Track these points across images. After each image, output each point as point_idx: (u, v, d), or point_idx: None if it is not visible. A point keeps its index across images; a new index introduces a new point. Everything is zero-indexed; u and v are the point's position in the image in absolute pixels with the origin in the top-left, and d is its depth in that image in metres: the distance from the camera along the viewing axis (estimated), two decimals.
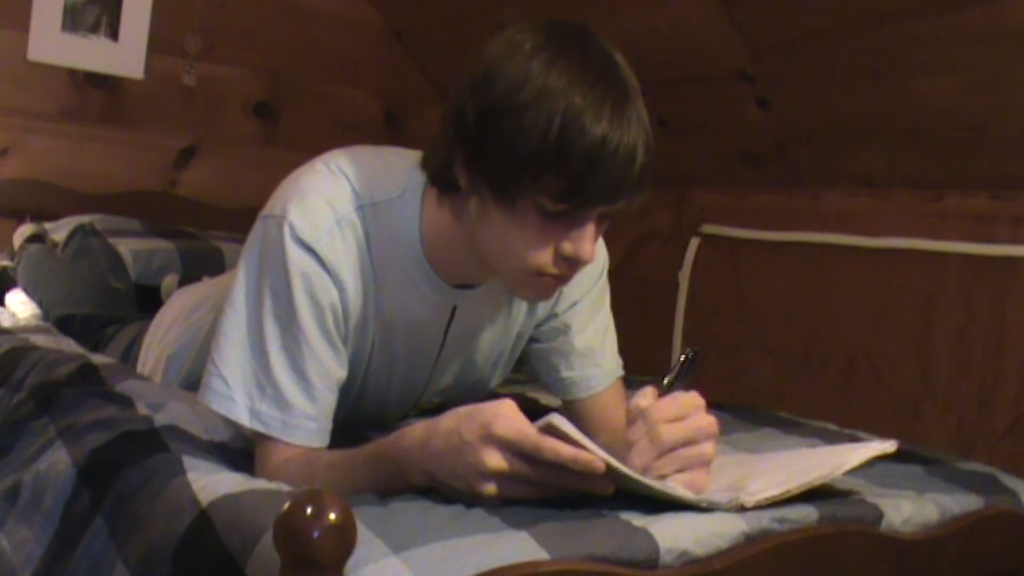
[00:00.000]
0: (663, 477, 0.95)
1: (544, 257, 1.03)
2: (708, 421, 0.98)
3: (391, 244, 1.13)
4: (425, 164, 1.12)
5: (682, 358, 1.05)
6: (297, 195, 1.09)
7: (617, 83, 0.99)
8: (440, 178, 1.09)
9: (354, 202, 1.10)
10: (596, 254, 1.28)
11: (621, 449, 0.97)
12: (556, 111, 0.95)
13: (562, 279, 1.07)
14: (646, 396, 1.00)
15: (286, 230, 1.07)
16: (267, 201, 1.13)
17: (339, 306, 1.10)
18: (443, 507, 0.89)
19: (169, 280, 2.01)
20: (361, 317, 1.14)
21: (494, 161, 0.99)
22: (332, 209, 1.09)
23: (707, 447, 0.97)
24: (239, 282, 1.10)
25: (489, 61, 1.01)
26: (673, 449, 0.96)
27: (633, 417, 0.99)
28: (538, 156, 0.96)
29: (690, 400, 0.99)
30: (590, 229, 1.02)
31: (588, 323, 1.31)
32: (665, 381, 1.03)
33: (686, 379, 1.03)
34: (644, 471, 0.95)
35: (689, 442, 0.97)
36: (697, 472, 0.97)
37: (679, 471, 0.96)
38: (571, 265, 1.04)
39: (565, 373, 1.31)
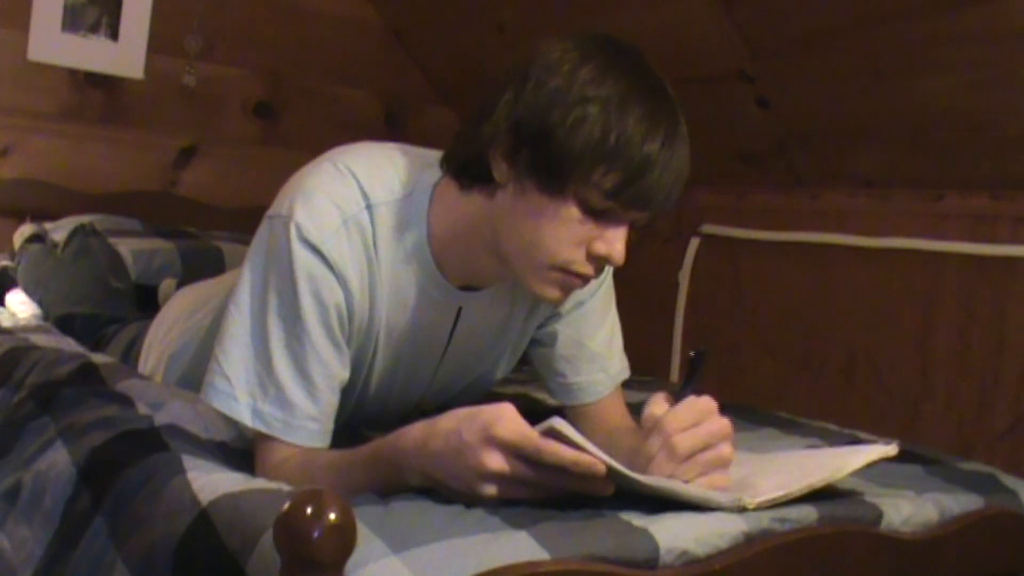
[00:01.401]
0: (648, 476, 0.95)
1: (576, 254, 1.04)
2: (721, 424, 0.99)
3: (398, 245, 1.12)
4: (449, 158, 1.12)
5: (691, 355, 1.06)
6: (303, 195, 1.09)
7: (668, 98, 1.03)
8: (469, 170, 1.09)
9: (361, 202, 1.10)
10: None
11: (620, 447, 0.97)
12: (618, 113, 0.98)
13: (583, 279, 1.07)
14: (659, 404, 1.01)
15: (292, 231, 1.07)
16: (272, 200, 1.13)
17: (344, 307, 1.09)
18: (443, 507, 0.89)
19: (167, 284, 2.00)
20: (366, 318, 1.14)
21: (549, 150, 1.00)
22: (339, 210, 1.08)
23: (724, 449, 0.99)
24: (244, 281, 1.10)
25: (541, 59, 1.03)
26: (691, 457, 0.97)
27: (648, 428, 1.00)
28: (597, 150, 0.98)
29: (702, 404, 0.99)
30: (624, 231, 1.04)
31: (597, 328, 1.31)
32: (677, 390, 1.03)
33: (696, 379, 1.04)
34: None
35: (706, 447, 0.98)
36: (716, 475, 0.98)
37: (700, 475, 0.97)
38: (598, 266, 1.06)
39: (572, 379, 1.31)
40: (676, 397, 1.02)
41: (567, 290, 1.10)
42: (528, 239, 1.04)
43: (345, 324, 1.10)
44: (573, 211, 1.02)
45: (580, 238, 1.03)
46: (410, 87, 2.83)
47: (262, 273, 1.09)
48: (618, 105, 0.98)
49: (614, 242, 1.04)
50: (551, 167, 1.00)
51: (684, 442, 0.97)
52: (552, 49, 1.03)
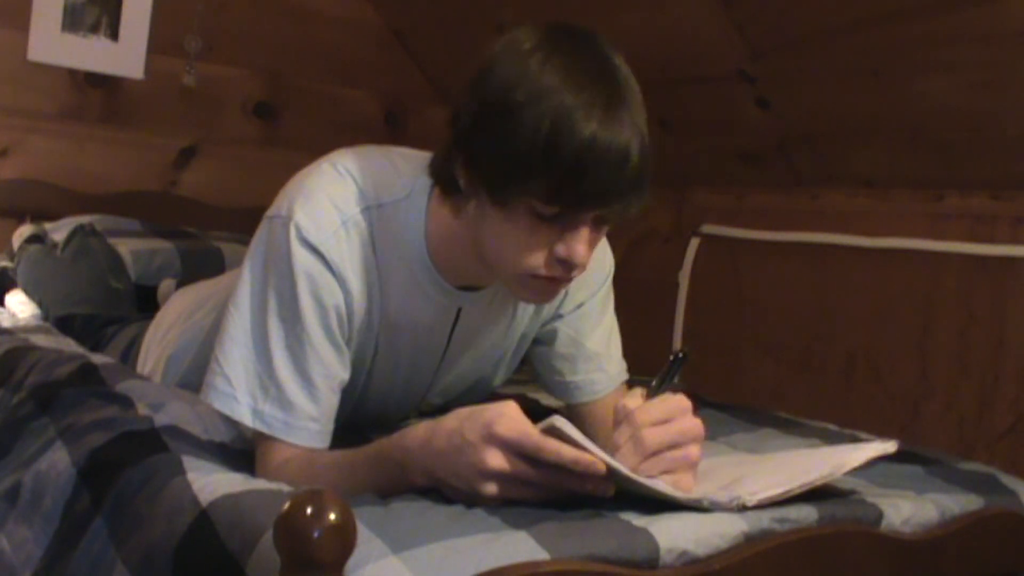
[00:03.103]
0: (649, 479, 0.95)
1: (537, 259, 1.02)
2: (693, 423, 0.97)
3: (397, 246, 1.13)
4: (432, 166, 1.12)
5: (671, 359, 1.05)
6: (303, 196, 1.09)
7: (611, 84, 0.97)
8: (443, 179, 1.09)
9: (360, 203, 1.10)
10: (602, 258, 1.27)
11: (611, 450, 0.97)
12: (546, 111, 0.94)
13: (559, 282, 1.06)
14: (634, 398, 1.00)
15: (292, 231, 1.07)
16: (271, 201, 1.13)
17: (343, 308, 1.09)
18: (443, 507, 0.89)
19: (166, 284, 2.01)
20: (365, 319, 1.14)
21: (488, 162, 0.99)
22: (338, 211, 1.09)
23: (692, 450, 0.97)
24: (244, 282, 1.10)
25: (487, 61, 1.01)
26: (657, 452, 0.95)
27: (619, 419, 0.98)
28: (528, 158, 0.95)
29: (676, 402, 0.98)
30: (584, 232, 1.01)
31: (595, 328, 1.31)
32: (653, 383, 1.02)
33: (674, 380, 1.03)
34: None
35: (673, 445, 0.96)
36: (682, 474, 0.96)
37: (664, 473, 0.95)
38: (565, 268, 1.03)
39: (569, 377, 1.31)
40: (651, 393, 1.01)
41: (548, 294, 1.09)
42: (495, 249, 1.04)
43: (344, 325, 1.10)
44: (525, 220, 1.00)
45: (540, 243, 1.01)
46: (410, 87, 2.83)
47: (262, 273, 1.09)
48: (551, 103, 0.94)
49: (573, 244, 1.01)
50: (494, 180, 0.99)
51: (652, 437, 0.95)
52: (499, 52, 1.00)
